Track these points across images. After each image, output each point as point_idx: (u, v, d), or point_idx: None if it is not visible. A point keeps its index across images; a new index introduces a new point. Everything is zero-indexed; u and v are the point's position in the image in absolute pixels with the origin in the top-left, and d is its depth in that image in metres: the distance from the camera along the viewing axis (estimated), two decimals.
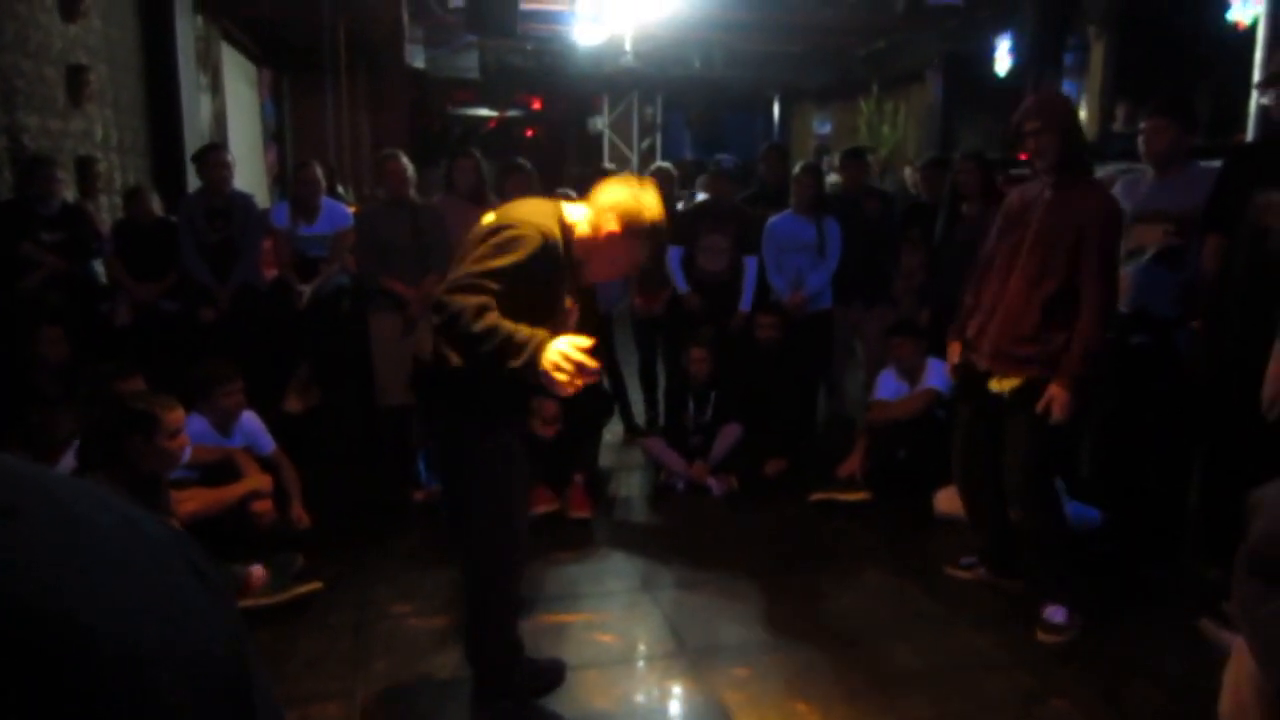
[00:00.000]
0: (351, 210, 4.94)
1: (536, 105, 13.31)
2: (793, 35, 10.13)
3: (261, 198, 7.26)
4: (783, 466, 4.33)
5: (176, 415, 2.70)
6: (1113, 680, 2.62)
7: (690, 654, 2.78)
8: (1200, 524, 3.33)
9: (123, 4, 5.83)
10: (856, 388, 5.14)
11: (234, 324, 4.39)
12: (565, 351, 1.91)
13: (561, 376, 1.90)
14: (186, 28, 6.45)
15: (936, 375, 4.15)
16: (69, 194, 4.64)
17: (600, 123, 12.88)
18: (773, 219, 4.75)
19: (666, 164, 5.59)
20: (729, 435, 4.26)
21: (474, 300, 1.95)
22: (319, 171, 4.66)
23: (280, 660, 2.69)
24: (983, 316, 2.94)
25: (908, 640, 2.86)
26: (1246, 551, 1.12)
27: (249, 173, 7.60)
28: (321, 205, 4.61)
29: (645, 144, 13.26)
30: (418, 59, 9.86)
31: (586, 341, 1.97)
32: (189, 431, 3.16)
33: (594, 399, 4.16)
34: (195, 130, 6.43)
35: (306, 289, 4.51)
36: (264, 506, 3.32)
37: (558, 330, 2.06)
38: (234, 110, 7.80)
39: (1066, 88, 7.48)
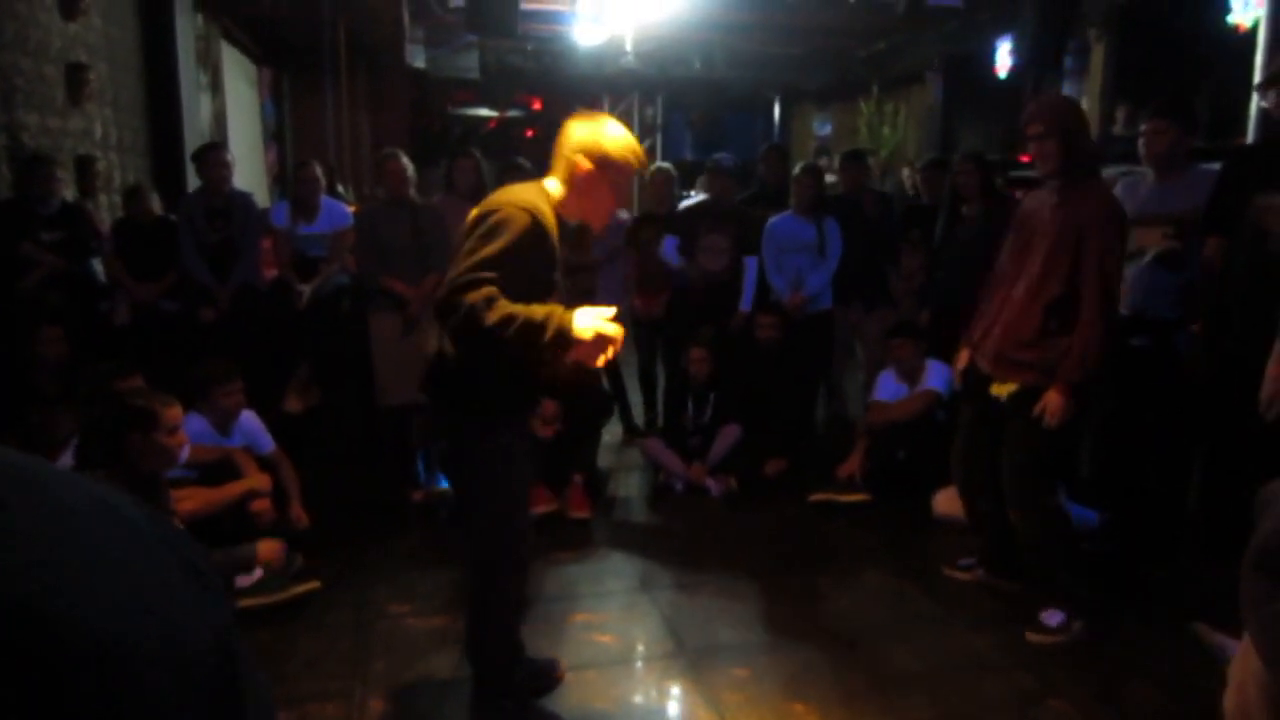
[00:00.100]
0: (351, 210, 4.94)
1: (536, 105, 13.31)
2: (793, 36, 10.13)
3: (261, 197, 7.26)
4: (782, 467, 4.33)
5: (175, 412, 2.70)
6: (1111, 681, 2.62)
7: (689, 654, 2.78)
8: (1200, 524, 3.33)
9: (123, 3, 5.83)
10: (856, 389, 5.14)
11: (234, 324, 4.38)
12: (595, 321, 1.97)
13: (593, 342, 1.97)
14: (187, 26, 6.45)
15: (936, 377, 4.15)
16: (68, 193, 4.64)
17: None
18: (773, 219, 4.75)
19: (667, 164, 5.59)
20: (728, 436, 4.26)
21: (479, 294, 1.95)
22: (318, 171, 4.66)
23: (279, 660, 2.69)
24: (987, 321, 2.94)
25: (906, 641, 2.86)
26: (1254, 548, 1.12)
27: (249, 172, 7.60)
28: (321, 205, 4.61)
29: (646, 145, 13.20)
30: (418, 59, 9.85)
31: (610, 310, 2.03)
32: (188, 431, 3.16)
33: (593, 399, 4.16)
34: (195, 129, 6.42)
35: (306, 289, 4.51)
36: (263, 506, 3.32)
37: (561, 304, 2.09)
38: (234, 109, 7.79)
39: (1066, 90, 7.48)
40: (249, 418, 3.59)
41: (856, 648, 2.84)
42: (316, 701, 2.50)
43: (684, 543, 3.76)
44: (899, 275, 4.90)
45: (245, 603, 2.90)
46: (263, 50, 8.88)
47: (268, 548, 3.05)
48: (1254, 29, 5.32)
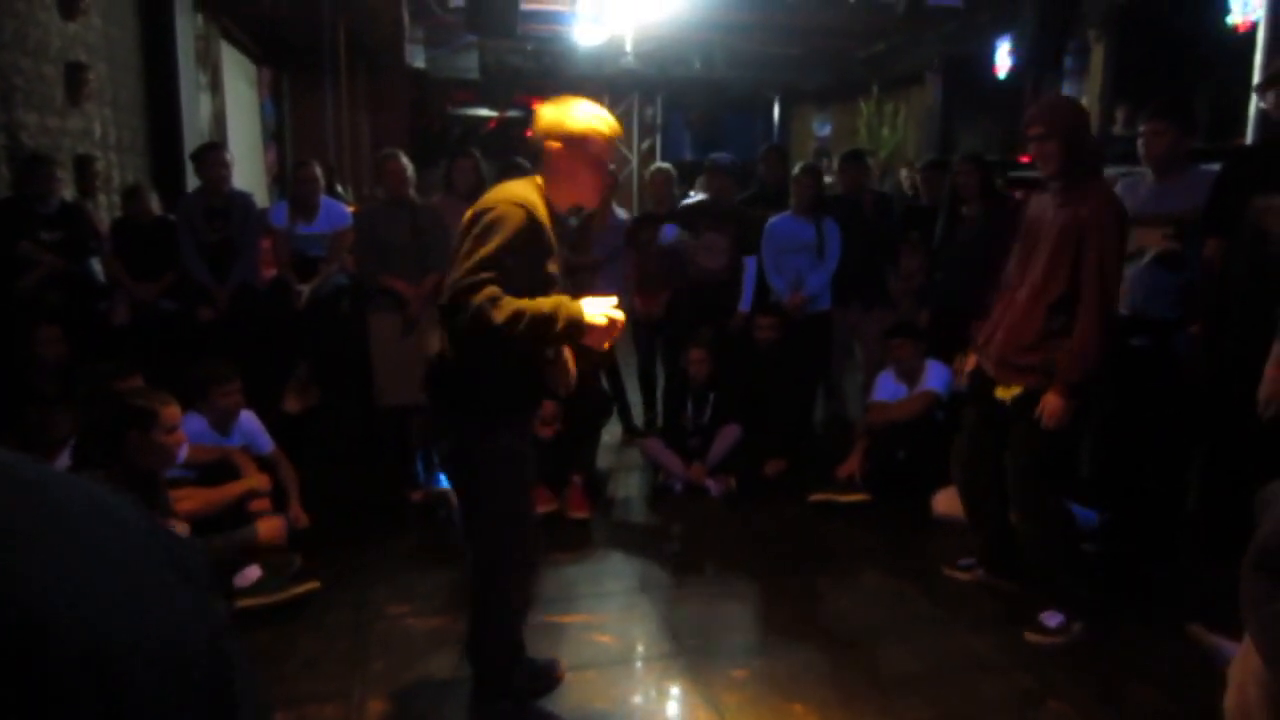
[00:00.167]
0: (350, 210, 4.94)
1: (536, 106, 13.27)
2: (793, 37, 10.13)
3: (261, 197, 7.26)
4: (781, 468, 4.33)
5: (173, 411, 2.69)
6: (1111, 681, 2.62)
7: (688, 655, 2.78)
8: (1199, 524, 3.33)
9: (122, 2, 5.82)
10: (855, 389, 5.14)
11: (233, 323, 4.38)
12: (602, 308, 2.05)
13: (601, 325, 2.04)
14: (186, 26, 6.45)
15: (935, 377, 4.15)
16: (67, 192, 4.64)
17: None
18: (772, 220, 4.75)
19: (666, 165, 5.59)
20: (727, 436, 4.26)
21: (482, 295, 1.97)
22: (318, 170, 4.66)
23: (278, 660, 2.69)
24: (992, 325, 2.93)
25: (906, 641, 2.86)
26: (1254, 548, 1.12)
27: (248, 172, 7.60)
28: (320, 205, 4.61)
29: (645, 145, 13.27)
30: (418, 59, 9.85)
31: (611, 299, 2.10)
32: (187, 431, 3.16)
33: (592, 400, 4.16)
34: (194, 129, 6.42)
35: (305, 289, 4.51)
36: (262, 506, 3.32)
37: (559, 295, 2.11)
38: (233, 109, 7.79)
39: (1066, 90, 7.48)
40: (248, 418, 3.59)
41: (856, 648, 2.83)
42: (315, 702, 2.50)
43: (683, 543, 3.76)
44: (898, 276, 4.90)
45: (244, 603, 2.90)
46: (262, 50, 8.88)
47: (268, 526, 3.03)
48: (1254, 30, 5.32)
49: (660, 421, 4.81)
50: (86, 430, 2.66)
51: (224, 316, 4.39)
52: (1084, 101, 7.54)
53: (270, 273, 4.70)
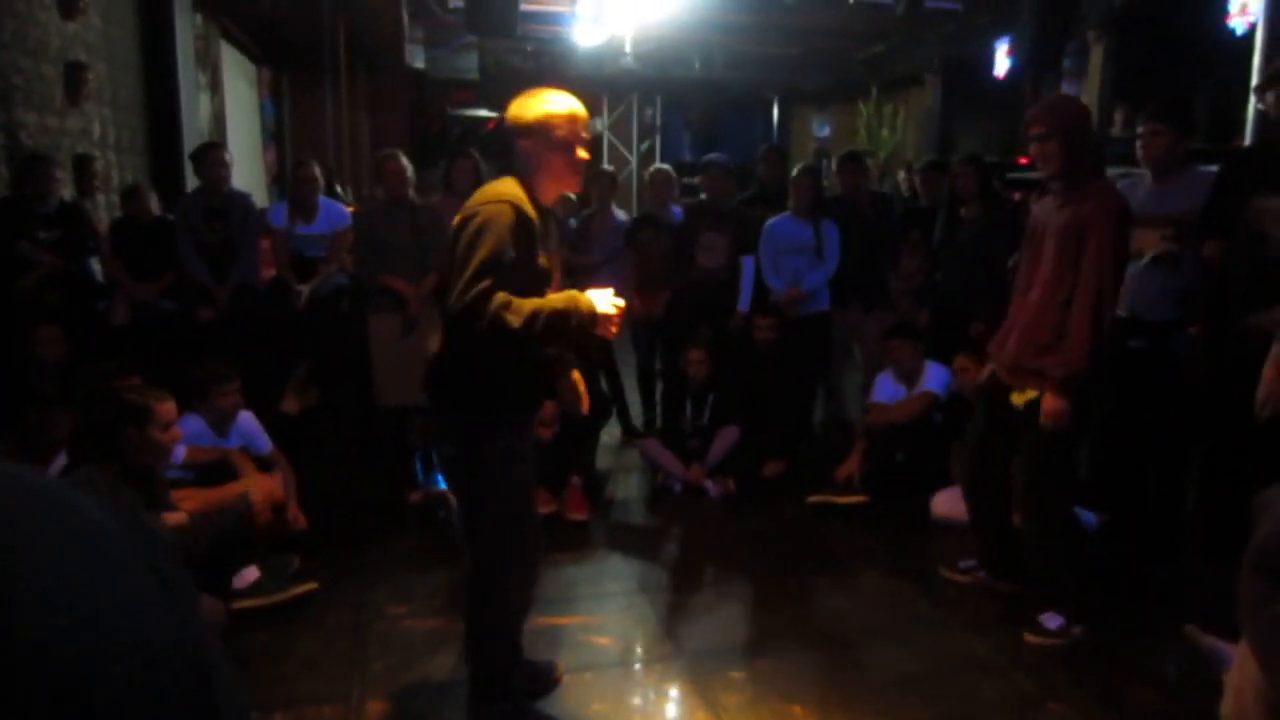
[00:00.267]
0: (349, 210, 4.93)
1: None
2: (792, 38, 10.13)
3: (260, 197, 7.25)
4: (780, 469, 4.33)
5: (169, 407, 2.69)
6: (1110, 683, 2.62)
7: (687, 656, 2.78)
8: (1198, 526, 3.33)
9: (122, 2, 5.82)
10: (854, 390, 5.14)
11: (232, 324, 4.38)
12: (607, 298, 2.15)
13: (611, 314, 2.14)
14: (186, 26, 6.45)
15: (934, 378, 4.15)
16: (66, 192, 4.63)
17: (600, 124, 12.88)
18: (771, 220, 4.75)
19: (666, 166, 5.59)
20: (726, 437, 4.26)
21: (493, 302, 2.00)
22: (317, 170, 4.66)
23: (277, 661, 2.69)
24: (1005, 330, 2.92)
25: (905, 643, 2.86)
26: (1252, 552, 1.11)
27: (248, 172, 7.59)
28: (319, 205, 4.60)
29: (645, 146, 13.26)
30: (417, 59, 9.85)
31: (609, 290, 2.20)
32: (186, 432, 3.15)
33: (591, 401, 4.16)
34: (194, 129, 6.41)
35: (304, 289, 4.50)
36: (261, 507, 3.31)
37: (556, 289, 2.17)
38: (233, 109, 7.79)
39: (1065, 91, 7.48)
40: (247, 418, 3.58)
41: (855, 649, 2.84)
42: (314, 703, 2.50)
43: (682, 544, 3.76)
44: (897, 277, 4.90)
45: (243, 604, 2.90)
46: (262, 50, 8.87)
47: (261, 486, 3.00)
48: (1252, 31, 5.32)
49: (659, 422, 4.81)
50: (82, 427, 2.65)
51: (223, 317, 4.39)
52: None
53: (269, 273, 4.69)
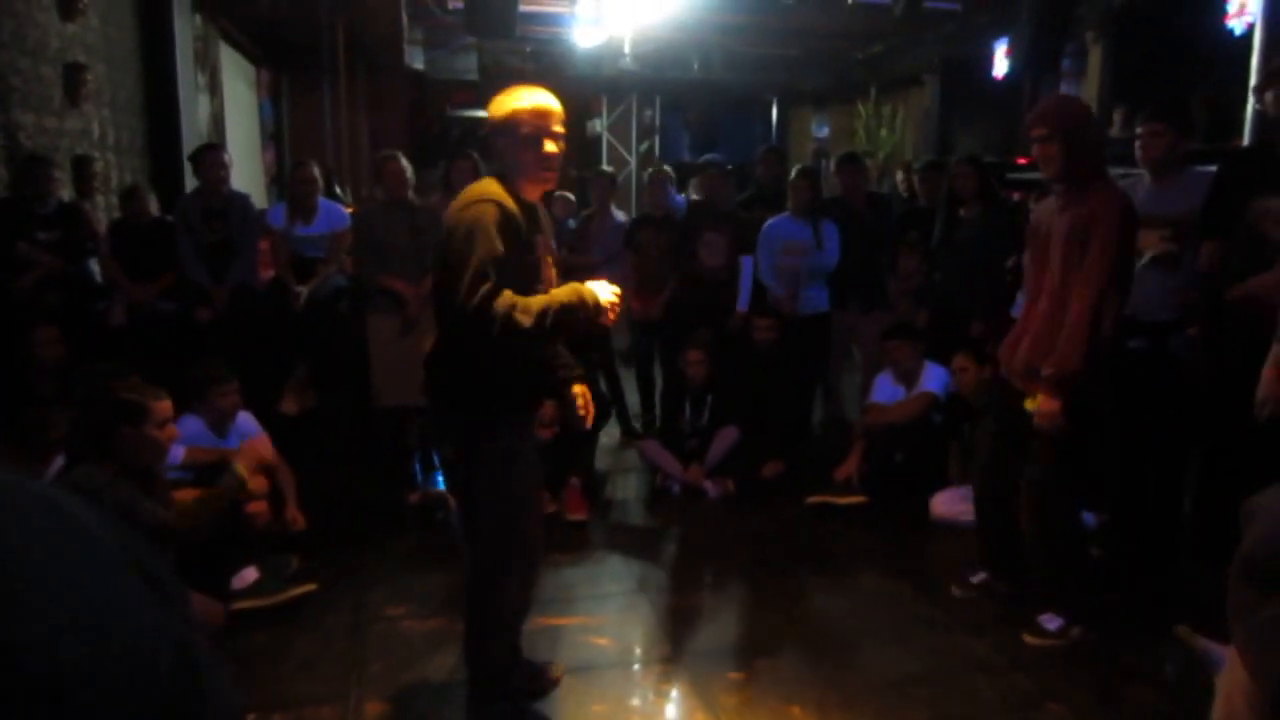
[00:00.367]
0: (348, 211, 4.93)
1: None
2: (791, 38, 10.14)
3: (259, 198, 7.26)
4: (779, 469, 4.32)
5: (165, 405, 2.68)
6: (1110, 684, 2.61)
7: (686, 657, 2.78)
8: (1197, 527, 3.33)
9: (121, 3, 5.82)
10: (853, 391, 5.14)
11: (230, 325, 4.37)
12: (606, 288, 2.20)
13: (613, 303, 2.21)
14: (185, 27, 6.44)
15: (933, 379, 4.15)
16: (65, 193, 4.63)
17: (599, 125, 12.88)
18: (770, 221, 4.75)
19: (665, 167, 5.60)
20: (725, 438, 4.26)
21: (500, 304, 2.03)
22: (315, 171, 4.65)
23: (275, 662, 2.69)
24: (1015, 336, 2.90)
25: (904, 643, 2.86)
26: (1239, 558, 1.12)
27: (246, 173, 7.59)
28: (318, 206, 4.60)
29: (644, 147, 13.26)
30: (417, 60, 9.86)
31: (603, 281, 2.26)
32: (185, 433, 3.15)
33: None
34: (193, 130, 6.41)
35: (303, 290, 4.50)
36: (259, 508, 3.31)
37: (549, 284, 2.21)
38: (232, 110, 7.79)
39: (1064, 92, 7.49)
40: (246, 419, 3.58)
41: (854, 650, 2.83)
42: (312, 704, 2.50)
43: (681, 545, 3.76)
44: (896, 277, 4.90)
45: (241, 605, 2.90)
46: (261, 51, 8.87)
47: (246, 454, 2.98)
48: (1250, 32, 5.33)
49: (658, 423, 4.81)
50: (78, 426, 2.65)
51: (222, 317, 4.38)
52: None
53: (268, 274, 4.69)
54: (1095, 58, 7.53)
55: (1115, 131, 6.52)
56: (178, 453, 3.11)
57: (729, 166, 5.12)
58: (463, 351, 2.21)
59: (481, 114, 13.83)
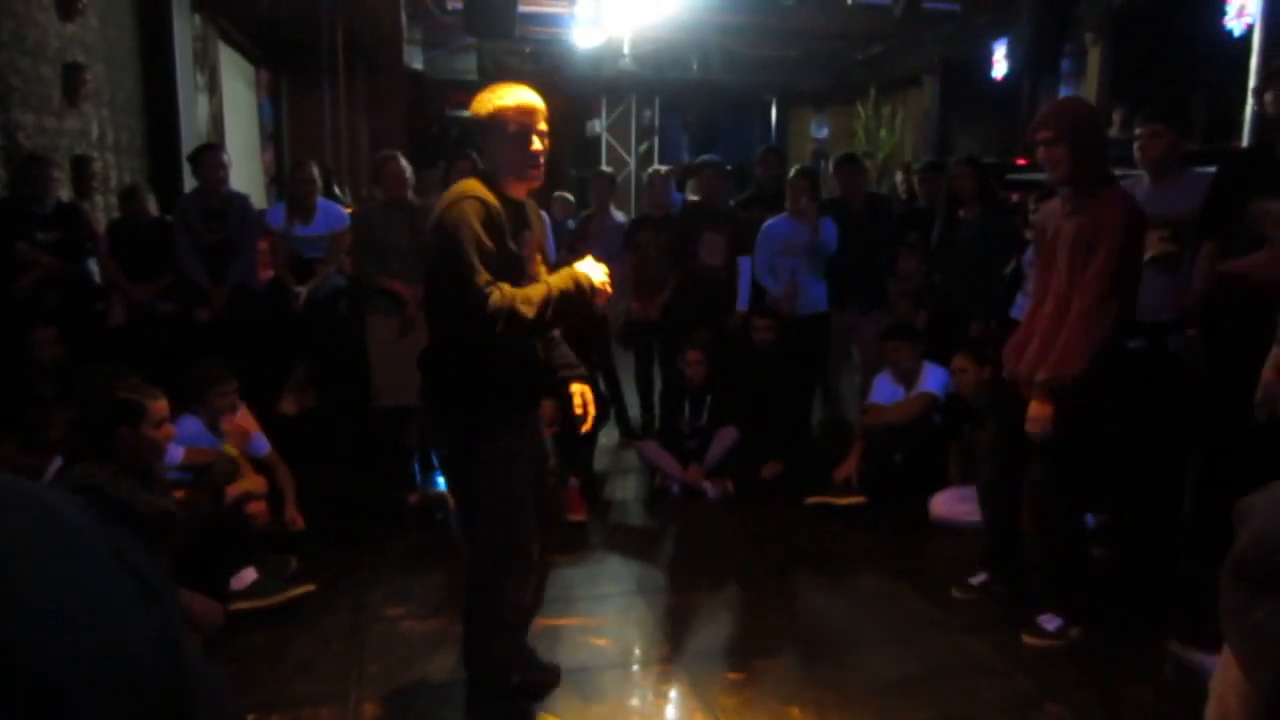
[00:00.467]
0: (347, 211, 4.93)
1: None
2: (790, 39, 10.15)
3: (258, 198, 7.25)
4: (778, 470, 4.32)
5: (161, 405, 2.68)
6: (1109, 684, 2.62)
7: (685, 658, 2.78)
8: (1195, 528, 3.33)
9: (120, 3, 5.82)
10: (853, 391, 5.14)
11: (229, 325, 4.37)
12: (598, 268, 2.21)
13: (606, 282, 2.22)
14: (184, 27, 6.44)
15: (932, 379, 4.15)
16: (64, 193, 4.63)
17: (598, 125, 12.88)
18: (769, 222, 4.75)
19: (664, 168, 5.60)
20: (725, 439, 4.26)
21: (501, 298, 2.03)
22: (314, 171, 4.65)
23: (274, 663, 2.69)
24: (1020, 340, 2.88)
25: (903, 644, 2.86)
26: (1232, 559, 1.12)
27: (246, 173, 7.58)
28: (317, 206, 4.60)
29: (643, 147, 13.26)
30: (416, 60, 9.85)
31: (587, 258, 2.27)
32: (183, 433, 3.15)
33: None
34: (192, 130, 6.41)
35: (302, 290, 4.49)
36: (258, 508, 3.31)
37: (534, 277, 2.21)
38: (231, 110, 7.78)
39: (1063, 93, 7.50)
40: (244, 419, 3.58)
41: (853, 650, 2.83)
42: (311, 705, 2.50)
43: (680, 546, 3.76)
44: (895, 278, 4.90)
45: (240, 606, 2.90)
46: (260, 51, 8.87)
47: (236, 429, 2.98)
48: (1249, 33, 5.33)
49: (657, 424, 4.81)
50: (76, 426, 2.65)
51: (221, 318, 4.38)
52: None
53: (267, 274, 4.69)
54: (1094, 58, 7.53)
55: (1114, 132, 6.52)
56: (176, 453, 3.11)
57: (728, 167, 5.12)
58: (457, 351, 2.21)
59: None
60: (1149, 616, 2.98)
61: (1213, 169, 3.28)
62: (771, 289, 4.69)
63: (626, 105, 12.98)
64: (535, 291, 2.09)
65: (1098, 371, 2.64)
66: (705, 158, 5.08)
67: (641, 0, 7.68)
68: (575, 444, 4.03)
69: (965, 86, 9.48)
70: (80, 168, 4.93)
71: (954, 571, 3.28)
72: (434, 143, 11.20)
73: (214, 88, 7.33)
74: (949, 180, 4.52)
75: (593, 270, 2.21)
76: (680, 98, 13.34)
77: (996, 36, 8.20)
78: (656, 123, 13.68)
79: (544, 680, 2.57)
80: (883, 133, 10.98)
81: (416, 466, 4.19)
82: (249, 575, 2.99)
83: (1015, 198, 5.50)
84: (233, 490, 3.23)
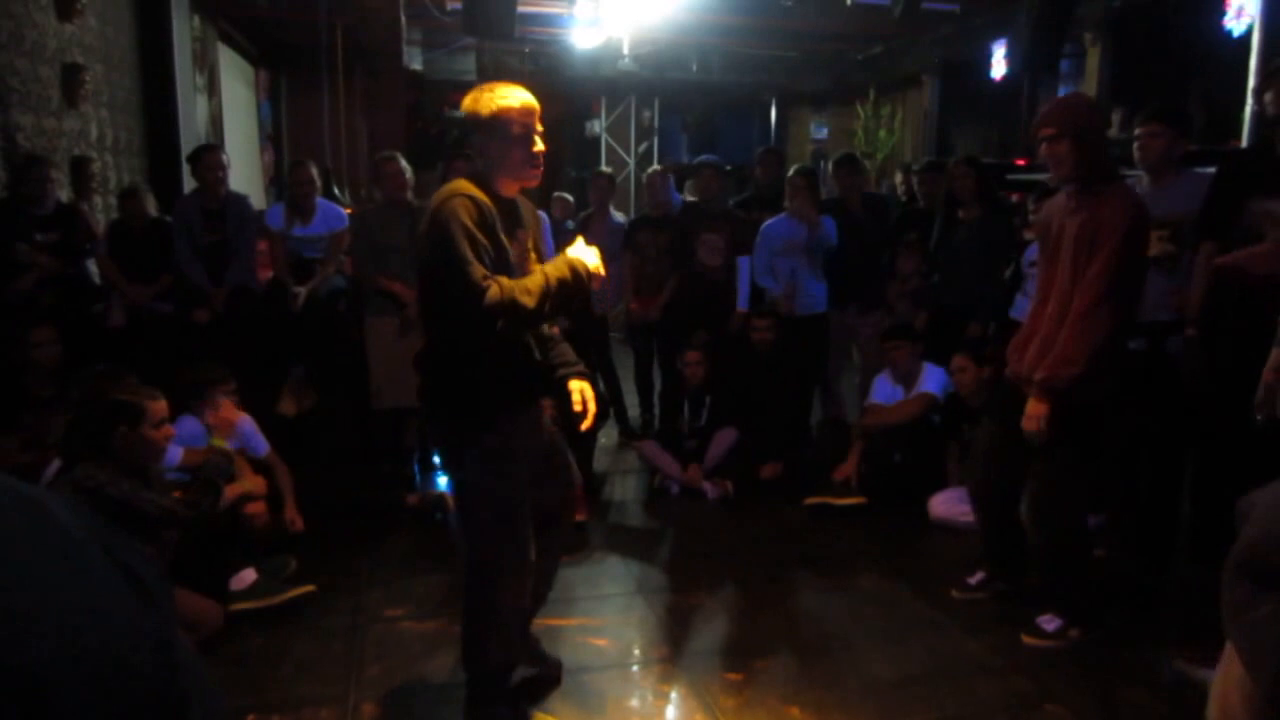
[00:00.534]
0: (346, 212, 4.93)
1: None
2: (790, 40, 10.16)
3: (257, 199, 7.25)
4: (778, 470, 4.32)
5: (160, 405, 2.68)
6: (1108, 685, 2.61)
7: (684, 658, 2.78)
8: (1194, 528, 3.33)
9: (119, 3, 5.82)
10: (852, 392, 5.14)
11: (228, 326, 4.36)
12: (591, 252, 2.23)
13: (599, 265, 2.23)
14: (183, 28, 6.44)
15: (932, 379, 4.15)
16: (63, 194, 4.63)
17: (597, 126, 12.88)
18: (768, 222, 4.75)
19: (664, 168, 5.60)
20: (724, 439, 4.26)
21: (498, 291, 2.03)
22: (314, 172, 4.65)
23: (273, 664, 2.68)
24: (1022, 339, 2.88)
25: (902, 644, 2.86)
26: (1235, 555, 1.12)
27: (245, 174, 7.59)
28: (316, 206, 4.60)
29: (642, 148, 13.26)
30: (415, 61, 9.86)
31: (579, 241, 2.29)
32: (182, 434, 3.15)
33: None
34: (191, 131, 6.41)
35: (302, 291, 4.49)
36: (257, 509, 3.30)
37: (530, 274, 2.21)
38: (230, 111, 7.78)
39: (1062, 93, 7.50)
40: (244, 420, 3.57)
41: (852, 651, 2.83)
42: (310, 705, 2.49)
43: (680, 546, 3.76)
44: (895, 278, 4.90)
45: (240, 606, 2.89)
46: (259, 52, 8.88)
47: (221, 421, 2.97)
48: (1248, 33, 5.34)
49: (657, 424, 4.81)
50: (74, 427, 2.64)
51: (220, 319, 4.37)
52: None
53: (266, 275, 4.69)
54: (1094, 59, 7.54)
55: (1114, 132, 6.54)
56: (175, 454, 3.11)
57: (727, 167, 5.12)
58: (453, 349, 2.21)
59: None
60: (1149, 617, 2.98)
61: (1212, 169, 3.28)
62: (771, 289, 4.69)
63: (626, 106, 12.98)
64: (533, 282, 2.09)
65: (1096, 372, 2.64)
66: (704, 158, 5.08)
67: (641, 1, 7.68)
68: (575, 443, 4.04)
69: (964, 87, 9.49)
70: (79, 168, 4.93)
71: (953, 572, 3.29)
72: (433, 143, 11.21)
73: (213, 88, 7.34)
74: (948, 181, 4.52)
75: (586, 255, 2.21)
76: (680, 98, 13.35)
77: (996, 37, 8.21)
78: (656, 123, 13.68)
79: (546, 673, 2.57)
80: (882, 133, 10.99)
81: (416, 467, 4.19)
82: (249, 576, 2.99)
83: (1015, 198, 5.50)
84: (232, 490, 3.23)
